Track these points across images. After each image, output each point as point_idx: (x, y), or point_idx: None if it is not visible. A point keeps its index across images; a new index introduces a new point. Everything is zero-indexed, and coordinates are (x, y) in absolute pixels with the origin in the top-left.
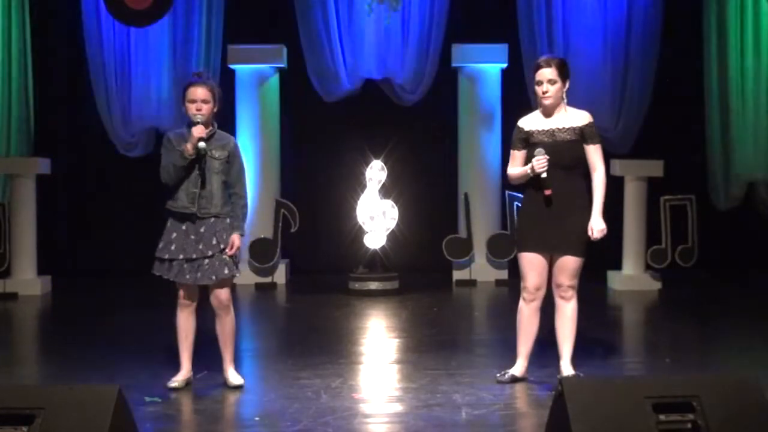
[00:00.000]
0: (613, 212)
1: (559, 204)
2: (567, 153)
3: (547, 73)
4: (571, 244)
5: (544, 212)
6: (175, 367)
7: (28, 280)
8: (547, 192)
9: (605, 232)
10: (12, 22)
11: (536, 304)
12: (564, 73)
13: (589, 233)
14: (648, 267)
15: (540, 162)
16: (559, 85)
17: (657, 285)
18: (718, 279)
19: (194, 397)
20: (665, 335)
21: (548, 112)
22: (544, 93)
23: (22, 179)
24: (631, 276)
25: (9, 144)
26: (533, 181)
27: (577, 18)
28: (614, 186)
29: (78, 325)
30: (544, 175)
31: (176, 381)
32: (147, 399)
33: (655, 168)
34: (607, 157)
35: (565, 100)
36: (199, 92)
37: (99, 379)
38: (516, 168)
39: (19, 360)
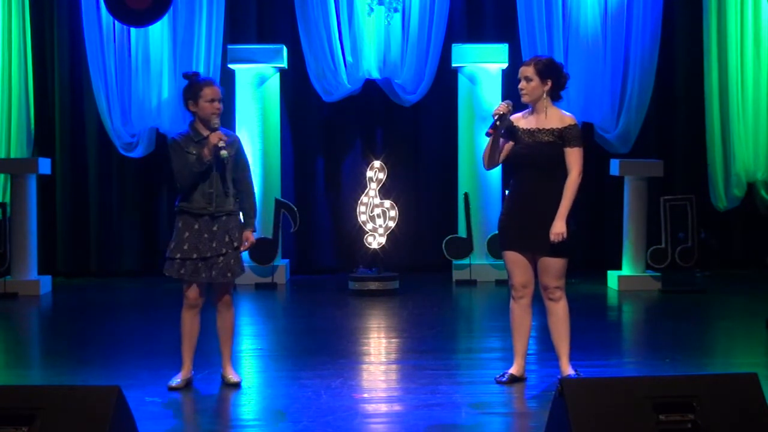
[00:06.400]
0: (613, 212)
1: (539, 205)
2: (545, 154)
3: (524, 71)
4: (552, 244)
5: (525, 212)
6: (176, 367)
7: (28, 280)
8: (490, 131)
9: (564, 236)
10: (12, 23)
11: (526, 301)
12: (544, 73)
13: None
14: (648, 267)
15: (499, 106)
16: (534, 83)
17: (657, 285)
18: (718, 279)
19: (194, 397)
20: (665, 335)
21: (533, 112)
22: (520, 90)
23: (22, 179)
24: (631, 276)
25: (9, 144)
26: (513, 183)
27: (576, 18)
28: (614, 186)
29: (78, 325)
30: (496, 118)
31: (177, 380)
32: (147, 399)
33: (655, 168)
34: (607, 157)
35: (547, 101)
36: (220, 91)
37: (99, 379)
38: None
39: (19, 360)
